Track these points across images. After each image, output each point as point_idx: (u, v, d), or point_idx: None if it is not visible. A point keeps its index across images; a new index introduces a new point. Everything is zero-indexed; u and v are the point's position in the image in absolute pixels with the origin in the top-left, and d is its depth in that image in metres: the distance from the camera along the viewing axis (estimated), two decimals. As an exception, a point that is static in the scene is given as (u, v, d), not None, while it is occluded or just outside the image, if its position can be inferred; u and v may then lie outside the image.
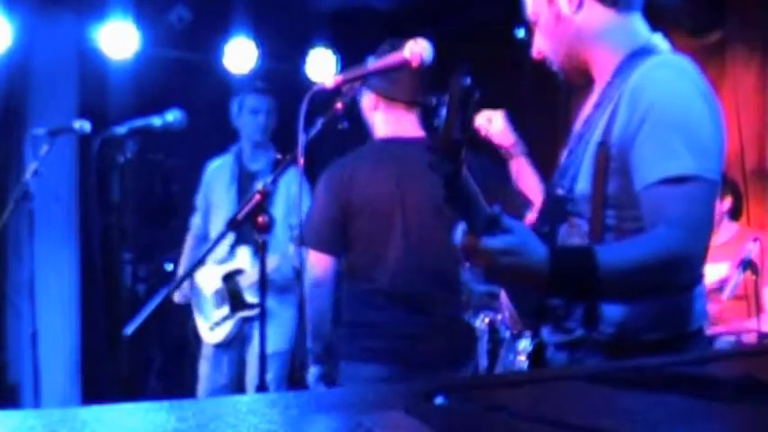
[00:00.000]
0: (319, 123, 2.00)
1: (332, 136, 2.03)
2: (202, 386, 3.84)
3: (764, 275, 3.80)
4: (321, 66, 5.42)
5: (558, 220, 1.71)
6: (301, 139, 1.98)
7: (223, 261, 3.84)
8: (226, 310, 3.78)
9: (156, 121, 2.83)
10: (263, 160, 3.92)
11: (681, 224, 1.52)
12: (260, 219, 2.26)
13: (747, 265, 3.60)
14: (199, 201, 4.06)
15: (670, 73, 1.63)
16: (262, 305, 2.25)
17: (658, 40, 1.75)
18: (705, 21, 4.63)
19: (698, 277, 1.62)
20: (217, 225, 3.86)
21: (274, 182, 2.18)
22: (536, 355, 1.74)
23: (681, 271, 1.53)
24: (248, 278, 3.70)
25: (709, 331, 3.67)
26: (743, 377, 0.92)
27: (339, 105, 1.95)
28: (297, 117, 1.87)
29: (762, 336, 3.63)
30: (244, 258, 3.78)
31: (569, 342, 1.70)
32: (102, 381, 4.41)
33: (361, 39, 5.11)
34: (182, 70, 5.24)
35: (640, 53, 1.69)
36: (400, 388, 1.49)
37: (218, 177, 3.96)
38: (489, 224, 1.46)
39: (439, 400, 0.94)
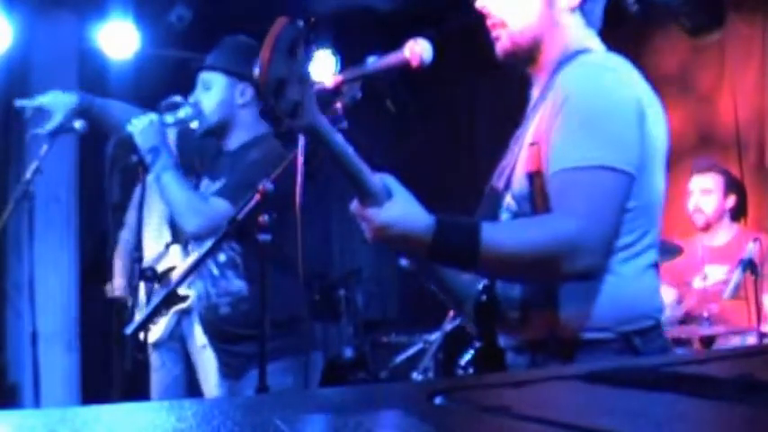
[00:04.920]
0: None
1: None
2: (152, 388, 3.85)
3: (765, 277, 3.80)
4: (321, 66, 5.43)
5: (496, 217, 1.74)
6: (301, 139, 1.98)
7: (156, 261, 3.86)
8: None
9: (169, 118, 2.82)
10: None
11: (576, 213, 1.55)
12: (260, 219, 2.26)
13: (747, 265, 3.60)
14: (130, 216, 4.08)
15: (588, 69, 1.68)
16: (263, 306, 2.25)
17: (591, 41, 1.79)
18: (705, 21, 4.63)
19: (601, 266, 1.59)
20: (150, 234, 3.86)
21: (274, 182, 2.19)
22: (489, 362, 1.71)
23: (570, 259, 1.53)
24: (178, 273, 3.70)
25: (709, 331, 3.68)
26: (743, 377, 0.92)
27: (339, 105, 1.95)
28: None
29: (762, 336, 3.63)
30: (175, 255, 3.80)
31: (530, 343, 1.70)
32: (102, 381, 4.41)
33: (361, 39, 5.12)
34: (182, 70, 5.24)
35: (574, 55, 1.73)
36: (400, 388, 1.49)
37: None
38: (376, 191, 1.53)
39: (439, 400, 0.94)
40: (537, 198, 1.66)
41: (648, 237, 1.68)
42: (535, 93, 1.81)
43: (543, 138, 1.65)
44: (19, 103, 2.86)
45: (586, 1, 1.78)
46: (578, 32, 1.78)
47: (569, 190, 1.57)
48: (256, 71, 1.40)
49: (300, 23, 1.45)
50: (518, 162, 1.71)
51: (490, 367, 1.70)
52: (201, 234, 2.77)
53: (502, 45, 1.80)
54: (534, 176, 1.66)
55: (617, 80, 1.66)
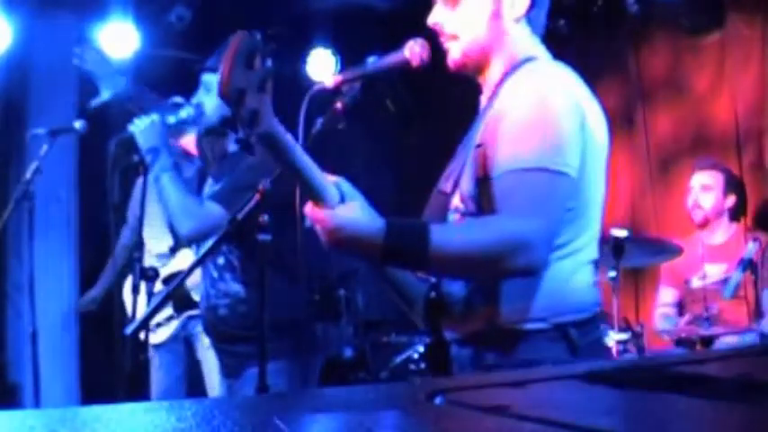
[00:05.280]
0: (319, 123, 2.01)
1: (332, 136, 2.03)
2: (153, 388, 3.85)
3: (764, 276, 3.80)
4: (321, 66, 5.43)
5: (444, 218, 1.83)
6: (301, 139, 1.98)
7: (161, 261, 3.85)
8: (168, 310, 3.79)
9: (171, 118, 2.82)
10: (191, 169, 3.90)
11: (520, 213, 1.64)
12: (260, 219, 2.26)
13: (747, 264, 3.60)
14: (130, 216, 4.06)
15: (532, 78, 1.76)
16: (262, 303, 2.25)
17: (536, 49, 1.87)
18: (705, 21, 4.63)
19: (544, 263, 1.67)
20: (153, 232, 3.84)
21: (273, 182, 2.18)
22: (436, 355, 1.79)
23: (515, 257, 1.61)
24: (192, 278, 3.67)
25: (709, 331, 3.68)
26: (743, 377, 0.92)
27: (339, 105, 1.95)
28: (297, 117, 1.87)
29: (762, 336, 3.63)
30: (186, 260, 3.78)
31: (472, 335, 1.78)
32: (102, 381, 4.42)
33: (361, 39, 5.12)
34: (181, 70, 5.24)
35: (520, 64, 1.82)
36: (400, 388, 1.49)
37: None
38: (330, 195, 1.61)
39: (439, 400, 0.94)
40: (483, 199, 1.75)
41: (587, 235, 1.76)
42: (483, 100, 1.90)
43: (488, 141, 1.74)
44: (79, 51, 2.84)
45: (532, 9, 1.86)
46: (524, 41, 1.86)
47: (514, 191, 1.66)
48: (218, 82, 1.50)
49: (258, 36, 1.55)
50: (465, 165, 1.80)
51: (438, 360, 1.79)
52: (194, 237, 2.78)
53: (453, 57, 1.88)
54: (481, 179, 1.75)
55: (559, 87, 1.74)
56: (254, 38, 1.53)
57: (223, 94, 1.49)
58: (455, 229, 1.75)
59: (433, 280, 1.78)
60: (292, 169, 1.61)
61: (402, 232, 1.61)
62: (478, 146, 1.77)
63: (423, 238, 1.60)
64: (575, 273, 1.75)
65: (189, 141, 3.58)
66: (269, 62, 1.57)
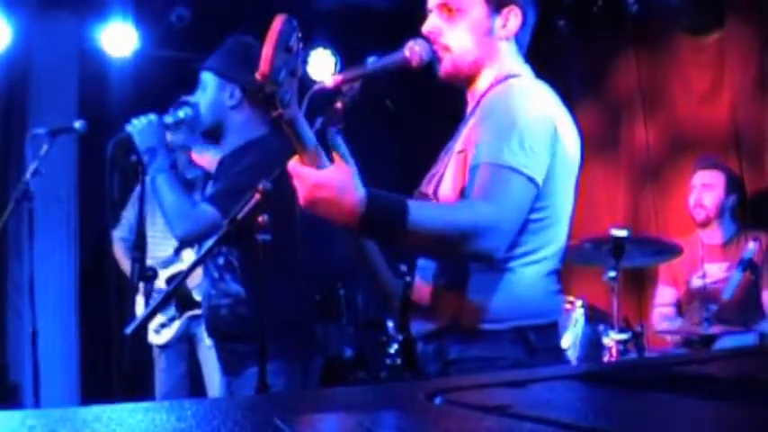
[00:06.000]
0: (319, 123, 2.01)
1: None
2: (157, 387, 3.86)
3: (765, 276, 3.80)
4: (321, 66, 5.43)
5: None
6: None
7: (166, 264, 3.85)
8: (171, 311, 3.80)
9: (168, 118, 2.82)
10: (198, 169, 3.89)
11: (491, 200, 1.73)
12: (260, 219, 2.26)
13: (747, 264, 3.60)
14: (127, 215, 4.06)
15: (513, 91, 1.87)
16: (262, 303, 2.25)
17: (521, 68, 1.97)
18: (705, 21, 4.62)
19: (502, 252, 1.74)
20: (156, 234, 3.82)
21: (273, 182, 2.18)
22: (408, 351, 1.88)
23: (482, 239, 1.69)
24: (194, 278, 3.67)
25: (709, 331, 3.68)
26: (743, 377, 0.92)
27: (339, 105, 1.95)
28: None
29: (762, 336, 3.63)
30: (188, 260, 3.78)
31: (437, 332, 1.86)
32: (102, 381, 4.42)
33: (361, 39, 5.12)
34: (181, 70, 5.24)
35: (504, 79, 1.92)
36: (400, 388, 1.49)
37: None
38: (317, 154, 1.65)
39: (439, 400, 0.94)
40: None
41: (553, 246, 1.86)
42: (468, 110, 1.98)
43: (469, 147, 1.83)
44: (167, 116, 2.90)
45: (521, 30, 1.96)
46: (511, 59, 1.96)
47: (488, 182, 1.75)
48: (261, 61, 1.53)
49: (295, 21, 1.58)
50: (446, 169, 1.89)
51: (408, 356, 1.88)
52: (188, 239, 2.79)
53: (444, 67, 1.95)
54: (458, 181, 1.83)
55: (537, 103, 1.85)
56: (293, 23, 1.57)
57: (264, 74, 1.53)
58: (430, 206, 1.82)
59: (408, 279, 1.86)
60: (297, 141, 1.64)
61: (383, 206, 1.64)
62: (460, 152, 1.86)
63: (402, 214, 1.64)
64: (539, 280, 1.84)
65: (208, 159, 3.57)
66: (302, 47, 1.61)
